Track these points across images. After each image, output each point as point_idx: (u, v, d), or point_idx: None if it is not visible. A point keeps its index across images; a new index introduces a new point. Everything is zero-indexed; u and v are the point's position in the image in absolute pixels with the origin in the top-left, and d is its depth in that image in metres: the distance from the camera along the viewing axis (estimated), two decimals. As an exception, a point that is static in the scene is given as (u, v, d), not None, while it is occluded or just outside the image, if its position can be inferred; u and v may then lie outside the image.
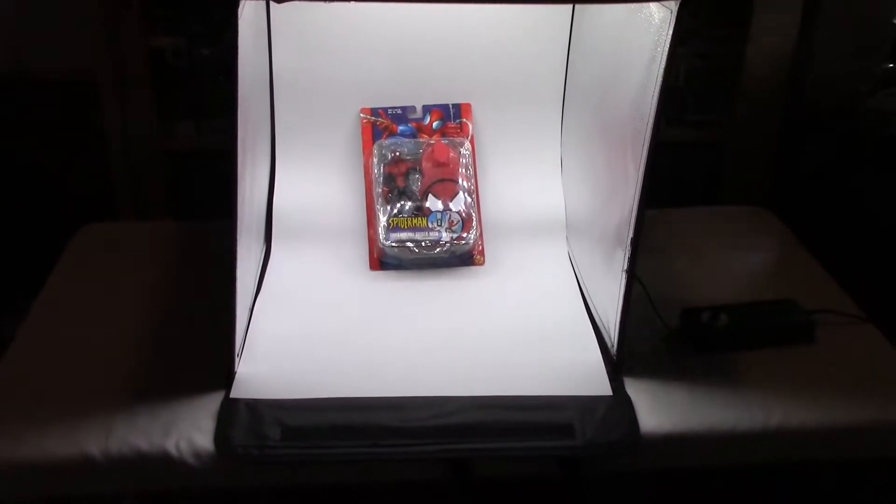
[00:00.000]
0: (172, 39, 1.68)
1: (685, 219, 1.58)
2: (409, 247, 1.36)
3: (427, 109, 1.45)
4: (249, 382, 1.13)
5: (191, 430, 1.06)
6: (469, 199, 1.39)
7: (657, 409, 1.11)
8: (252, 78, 1.20)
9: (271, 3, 1.33)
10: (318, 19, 1.39)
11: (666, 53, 0.99)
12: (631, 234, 1.09)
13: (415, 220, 1.37)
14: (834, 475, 1.17)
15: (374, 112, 1.43)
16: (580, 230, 1.39)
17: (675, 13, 0.97)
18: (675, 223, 1.55)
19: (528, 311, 1.31)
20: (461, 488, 1.10)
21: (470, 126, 1.45)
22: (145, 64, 1.66)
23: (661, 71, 1.00)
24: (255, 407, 1.09)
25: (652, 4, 1.03)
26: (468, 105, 1.45)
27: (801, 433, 1.10)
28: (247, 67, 1.08)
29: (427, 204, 1.38)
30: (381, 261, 1.39)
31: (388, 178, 1.39)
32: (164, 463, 1.04)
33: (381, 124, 1.43)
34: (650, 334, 1.25)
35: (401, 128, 1.44)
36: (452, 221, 1.38)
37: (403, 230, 1.37)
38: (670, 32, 0.98)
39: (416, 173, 1.40)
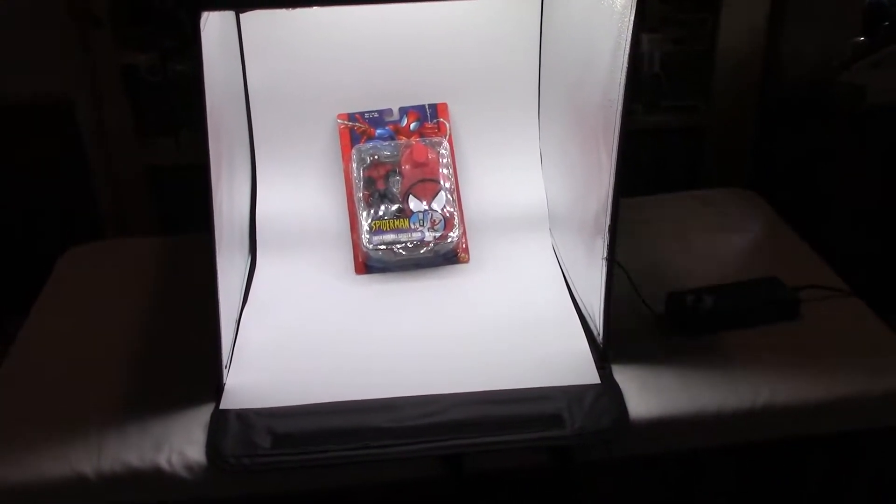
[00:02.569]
0: (146, 55, 1.68)
1: (668, 204, 1.58)
2: (393, 249, 1.37)
3: (403, 111, 1.45)
4: (238, 393, 1.14)
5: (182, 443, 1.07)
6: (450, 198, 1.40)
7: (645, 395, 1.12)
8: (224, 90, 1.20)
9: (241, 15, 1.35)
10: (290, 29, 1.39)
11: (630, 39, 0.99)
12: (608, 222, 1.09)
13: (397, 222, 1.38)
14: (824, 450, 1.17)
15: (350, 117, 1.44)
16: (562, 221, 1.40)
17: (636, -2, 0.97)
18: (658, 209, 1.55)
19: (515, 306, 1.31)
20: (454, 483, 1.10)
21: (447, 125, 1.45)
22: (120, 81, 1.67)
23: (627, 57, 1.00)
24: (245, 416, 1.09)
25: (615, -9, 1.04)
26: (444, 105, 1.45)
27: (789, 409, 1.11)
28: (217, 79, 1.08)
29: (409, 205, 1.38)
30: (366, 264, 1.39)
31: (369, 182, 1.40)
32: (156, 478, 1.04)
33: (358, 129, 1.44)
34: (636, 320, 1.25)
35: (378, 131, 1.44)
36: (435, 221, 1.38)
37: (387, 232, 1.37)
38: (632, 18, 0.98)
39: (396, 175, 1.40)
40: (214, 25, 1.07)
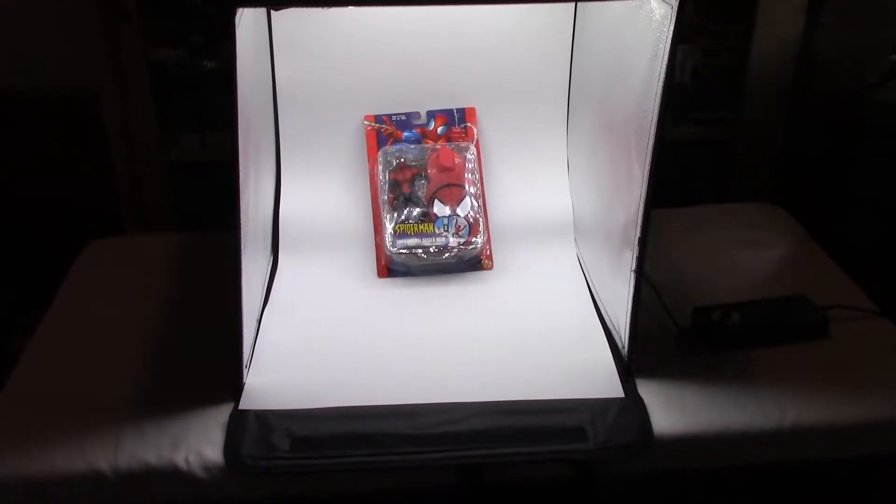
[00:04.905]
0: (174, 51, 1.68)
1: (694, 217, 1.56)
2: (416, 253, 1.36)
3: (431, 115, 1.44)
4: (258, 393, 1.13)
5: (200, 442, 1.06)
6: (476, 204, 1.38)
7: (670, 410, 1.10)
8: (253, 87, 1.19)
9: (272, 13, 1.34)
10: (319, 27, 1.38)
11: (668, 50, 0.98)
12: (638, 234, 1.08)
13: (421, 227, 1.36)
14: (851, 472, 1.15)
15: (378, 119, 1.43)
16: (588, 231, 1.38)
17: (675, 9, 0.96)
18: (683, 222, 1.53)
19: (538, 315, 1.30)
20: (473, 494, 1.08)
21: (475, 130, 1.44)
22: (147, 76, 1.66)
23: (664, 68, 0.99)
24: (264, 418, 1.08)
25: (652, 1, 1.02)
26: (472, 109, 1.44)
27: (816, 430, 1.09)
28: (247, 77, 1.07)
29: (434, 210, 1.37)
30: (389, 268, 1.38)
31: (394, 185, 1.39)
32: (173, 476, 1.04)
33: (385, 131, 1.43)
34: (661, 334, 1.24)
35: (405, 134, 1.43)
36: (459, 226, 1.37)
37: (410, 236, 1.36)
38: (671, 28, 0.97)
39: (421, 179, 1.39)
40: (247, 22, 1.06)
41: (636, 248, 1.08)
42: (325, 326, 1.27)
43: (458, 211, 1.37)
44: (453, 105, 1.44)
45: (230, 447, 1.05)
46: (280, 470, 1.03)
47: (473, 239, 1.36)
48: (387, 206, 1.38)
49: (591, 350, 1.21)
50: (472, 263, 1.39)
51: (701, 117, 1.82)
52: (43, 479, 1.02)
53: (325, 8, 1.34)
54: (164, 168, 1.75)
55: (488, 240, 1.40)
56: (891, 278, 1.43)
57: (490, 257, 1.40)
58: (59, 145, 1.75)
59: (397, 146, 1.42)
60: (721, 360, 1.19)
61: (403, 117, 1.43)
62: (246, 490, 1.06)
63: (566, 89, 1.45)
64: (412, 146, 1.42)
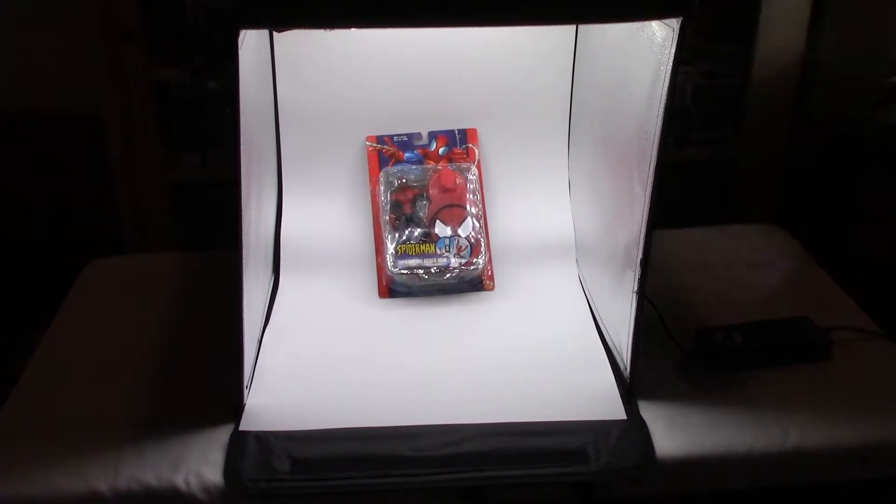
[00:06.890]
0: (176, 71, 1.68)
1: (696, 238, 1.56)
2: (417, 273, 1.35)
3: (433, 136, 1.44)
4: (259, 414, 1.12)
5: (200, 464, 1.05)
6: (477, 225, 1.38)
7: (672, 432, 1.09)
8: (256, 108, 1.20)
9: (275, 34, 1.35)
10: (321, 48, 1.39)
11: (669, 72, 0.98)
12: (640, 255, 1.07)
13: (423, 247, 1.36)
14: (855, 495, 1.15)
15: (379, 140, 1.43)
16: (590, 252, 1.38)
17: (677, 31, 0.96)
18: (686, 243, 1.53)
19: (540, 336, 1.29)
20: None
21: (476, 151, 1.44)
22: (149, 97, 1.67)
23: (665, 90, 0.99)
24: (265, 439, 1.08)
25: (654, 23, 1.03)
26: (474, 130, 1.45)
27: (820, 453, 1.08)
28: (250, 97, 1.08)
29: (435, 230, 1.37)
30: (390, 288, 1.38)
31: (396, 206, 1.39)
32: (173, 498, 1.03)
33: (387, 152, 1.43)
34: (664, 356, 1.23)
35: (407, 155, 1.43)
36: (461, 247, 1.37)
37: (412, 257, 1.36)
38: (673, 51, 0.97)
39: (423, 200, 1.39)
40: (250, 43, 1.07)
41: (638, 268, 1.08)
42: (325, 347, 1.27)
43: (460, 231, 1.37)
44: (455, 126, 1.44)
45: (230, 469, 1.04)
46: (280, 492, 1.03)
47: (475, 259, 1.36)
48: (388, 227, 1.37)
49: (592, 371, 1.21)
50: (473, 284, 1.39)
51: (702, 138, 1.83)
52: (42, 500, 1.02)
53: (328, 30, 1.34)
54: (166, 188, 1.75)
55: (489, 260, 1.40)
56: (893, 299, 1.42)
57: (491, 278, 1.40)
58: (60, 165, 1.75)
59: (399, 167, 1.42)
60: (724, 382, 1.18)
61: (405, 138, 1.43)
62: (246, 512, 1.06)
63: (567, 110, 1.45)
64: (414, 167, 1.42)
